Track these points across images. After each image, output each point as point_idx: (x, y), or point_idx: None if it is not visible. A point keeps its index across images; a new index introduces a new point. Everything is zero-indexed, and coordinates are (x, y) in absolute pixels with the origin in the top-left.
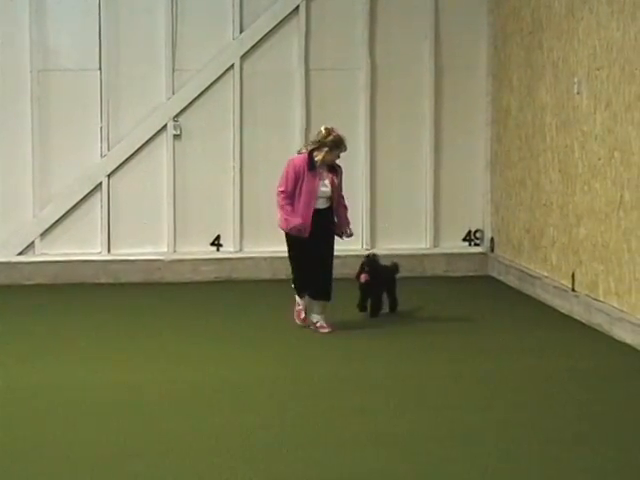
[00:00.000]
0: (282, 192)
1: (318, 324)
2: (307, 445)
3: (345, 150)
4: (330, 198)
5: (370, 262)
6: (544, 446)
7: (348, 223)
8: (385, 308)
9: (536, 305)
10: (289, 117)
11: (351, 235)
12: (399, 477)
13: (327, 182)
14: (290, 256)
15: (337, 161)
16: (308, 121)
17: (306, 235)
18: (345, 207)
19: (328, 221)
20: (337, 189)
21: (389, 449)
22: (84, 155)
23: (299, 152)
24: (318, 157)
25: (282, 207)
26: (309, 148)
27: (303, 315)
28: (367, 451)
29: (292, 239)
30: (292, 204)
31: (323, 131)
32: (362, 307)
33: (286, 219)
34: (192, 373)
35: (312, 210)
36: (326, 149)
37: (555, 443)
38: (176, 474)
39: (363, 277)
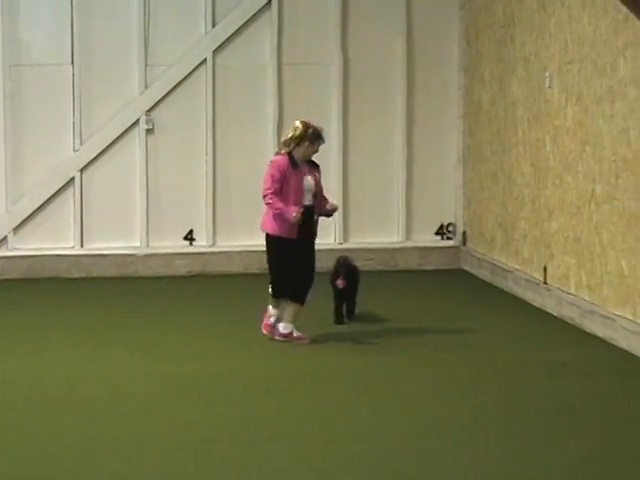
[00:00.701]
0: (271, 193)
1: (295, 334)
2: (280, 438)
3: (324, 142)
4: (314, 195)
5: (345, 265)
6: (519, 438)
7: (328, 214)
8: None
9: (508, 298)
10: (262, 111)
11: (336, 208)
12: (375, 468)
13: (310, 178)
14: (275, 259)
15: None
16: (281, 115)
17: (294, 236)
18: (325, 198)
19: (313, 220)
20: (319, 185)
21: (365, 442)
22: (57, 150)
23: (277, 153)
24: (299, 153)
25: (273, 204)
26: (292, 146)
27: (271, 325)
28: (344, 444)
29: (279, 243)
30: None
31: (300, 126)
32: (340, 318)
33: (280, 212)
34: (165, 366)
35: (302, 206)
36: (307, 143)
37: (529, 435)
38: (149, 465)
39: (340, 283)
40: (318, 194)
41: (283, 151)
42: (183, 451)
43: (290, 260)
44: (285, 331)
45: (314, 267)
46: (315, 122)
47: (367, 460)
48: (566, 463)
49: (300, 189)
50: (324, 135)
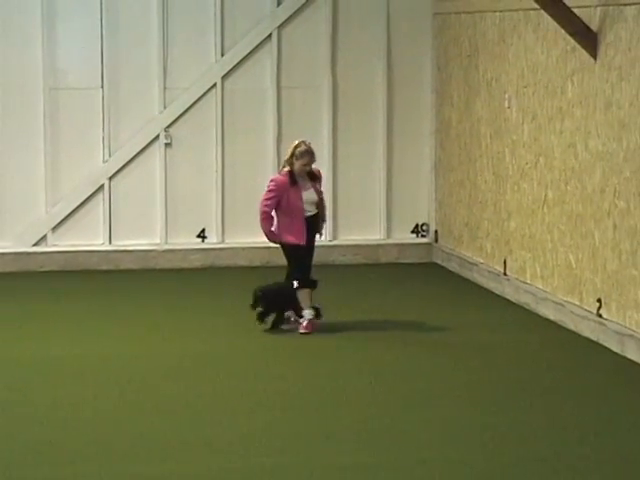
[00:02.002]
0: (266, 209)
1: (305, 322)
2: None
3: (313, 157)
4: (316, 204)
5: (263, 294)
6: (493, 407)
7: (323, 220)
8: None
9: (473, 287)
10: (263, 127)
11: (324, 224)
12: (352, 437)
13: (311, 190)
14: (295, 261)
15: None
16: (279, 131)
17: (303, 243)
18: (324, 206)
19: (316, 226)
20: (320, 194)
21: (342, 417)
22: (89, 160)
23: (280, 172)
24: (294, 169)
25: (265, 221)
26: (290, 163)
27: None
28: (331, 414)
29: (295, 249)
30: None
31: (293, 145)
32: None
33: (266, 229)
34: (182, 344)
35: (304, 219)
36: (295, 159)
37: (501, 403)
38: (166, 427)
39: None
40: (319, 202)
41: (285, 170)
42: (194, 416)
43: (303, 258)
44: (306, 320)
45: (312, 262)
46: (308, 140)
47: (345, 429)
48: (516, 429)
49: (299, 202)
50: (312, 150)
